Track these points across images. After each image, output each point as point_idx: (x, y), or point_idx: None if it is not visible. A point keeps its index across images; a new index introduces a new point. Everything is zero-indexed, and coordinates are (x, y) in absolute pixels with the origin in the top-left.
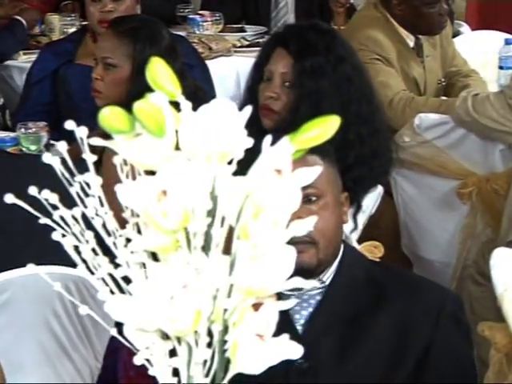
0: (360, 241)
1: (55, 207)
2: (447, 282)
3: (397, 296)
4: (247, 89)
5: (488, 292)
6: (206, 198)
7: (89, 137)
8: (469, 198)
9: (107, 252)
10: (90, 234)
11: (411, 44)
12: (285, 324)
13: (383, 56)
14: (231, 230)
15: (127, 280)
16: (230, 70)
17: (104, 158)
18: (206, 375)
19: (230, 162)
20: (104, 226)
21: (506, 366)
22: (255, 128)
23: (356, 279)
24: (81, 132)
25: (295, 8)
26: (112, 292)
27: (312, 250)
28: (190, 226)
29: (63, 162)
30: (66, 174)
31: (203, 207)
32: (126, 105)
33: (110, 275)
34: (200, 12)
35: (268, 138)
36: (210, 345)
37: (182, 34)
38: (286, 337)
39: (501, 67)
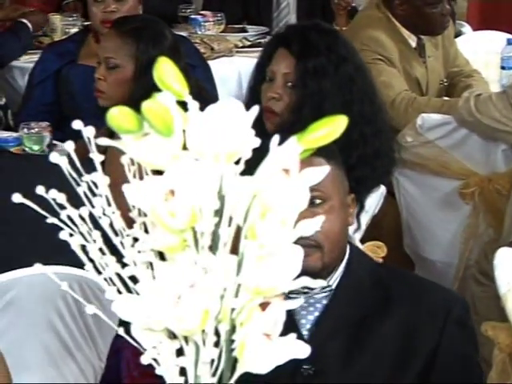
0: (363, 241)
1: (62, 207)
2: (449, 282)
3: (403, 298)
4: (249, 89)
5: (490, 292)
6: (213, 198)
7: (94, 137)
8: (471, 198)
9: (114, 251)
10: (97, 234)
11: (413, 44)
12: (290, 329)
13: (385, 56)
14: (239, 230)
15: (134, 279)
16: (232, 71)
17: (108, 157)
18: (213, 374)
19: (237, 162)
20: (111, 225)
21: (509, 365)
22: (258, 128)
23: (362, 282)
24: (88, 132)
25: (297, 8)
26: (119, 291)
27: (317, 254)
28: (197, 225)
29: (69, 161)
30: (74, 174)
31: (211, 207)
32: (129, 105)
33: (118, 275)
34: (202, 12)
35: (276, 138)
36: (217, 344)
37: (184, 34)
38: (293, 336)
39: (503, 67)
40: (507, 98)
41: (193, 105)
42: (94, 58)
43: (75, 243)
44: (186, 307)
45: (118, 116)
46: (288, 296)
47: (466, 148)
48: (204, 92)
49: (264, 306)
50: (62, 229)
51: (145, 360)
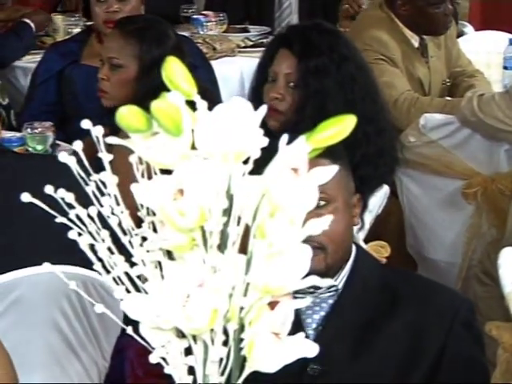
0: (366, 241)
1: (70, 206)
2: (452, 282)
3: (410, 299)
4: (252, 90)
5: (493, 292)
6: (222, 197)
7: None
8: (474, 198)
9: (123, 251)
10: (105, 233)
11: (416, 44)
12: (296, 329)
13: (388, 56)
14: (247, 229)
15: (142, 279)
16: (234, 71)
17: (114, 156)
18: (222, 374)
19: (246, 162)
20: (120, 224)
21: None
22: (261, 129)
23: (369, 282)
24: (96, 131)
25: (299, 9)
26: (128, 291)
27: (320, 255)
28: (206, 224)
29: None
30: (82, 173)
31: (219, 206)
32: (132, 105)
33: (126, 274)
34: (204, 12)
35: (284, 137)
36: (225, 343)
37: (186, 34)
38: (301, 335)
39: (505, 67)
40: (510, 98)
41: (201, 104)
42: (96, 58)
43: (84, 242)
44: (194, 306)
45: (128, 115)
46: (294, 296)
47: (468, 148)
48: (208, 92)
49: (273, 304)
50: (66, 229)
51: (153, 359)
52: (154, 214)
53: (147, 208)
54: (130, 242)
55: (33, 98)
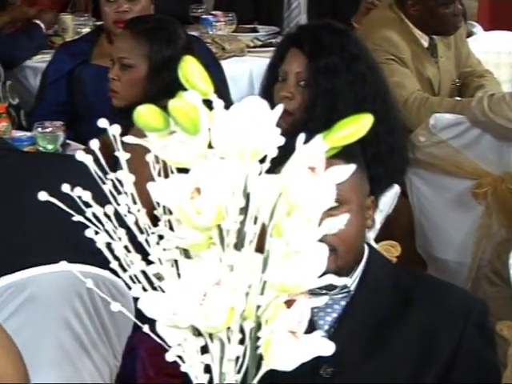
0: (376, 240)
1: (87, 205)
2: (462, 282)
3: (423, 300)
4: (262, 89)
5: (503, 292)
6: (238, 196)
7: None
8: (484, 198)
9: (139, 249)
10: (122, 232)
11: (425, 44)
12: (308, 330)
13: (398, 56)
14: (263, 227)
15: (158, 277)
16: (244, 70)
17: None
18: (238, 372)
19: (263, 160)
20: (136, 223)
21: None
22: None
23: (381, 283)
24: (114, 130)
25: (307, 8)
26: (144, 289)
27: (331, 257)
28: (223, 223)
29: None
30: (99, 172)
31: (236, 205)
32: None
33: (143, 272)
34: (213, 12)
35: (301, 137)
36: (242, 341)
37: (195, 34)
38: (318, 333)
39: None
40: None
41: (218, 103)
42: (106, 58)
43: (101, 241)
44: (211, 305)
45: (146, 114)
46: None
47: (478, 148)
48: (219, 92)
49: (289, 303)
50: (78, 228)
51: (169, 357)
52: (171, 213)
53: (163, 206)
54: (146, 240)
55: (43, 98)
